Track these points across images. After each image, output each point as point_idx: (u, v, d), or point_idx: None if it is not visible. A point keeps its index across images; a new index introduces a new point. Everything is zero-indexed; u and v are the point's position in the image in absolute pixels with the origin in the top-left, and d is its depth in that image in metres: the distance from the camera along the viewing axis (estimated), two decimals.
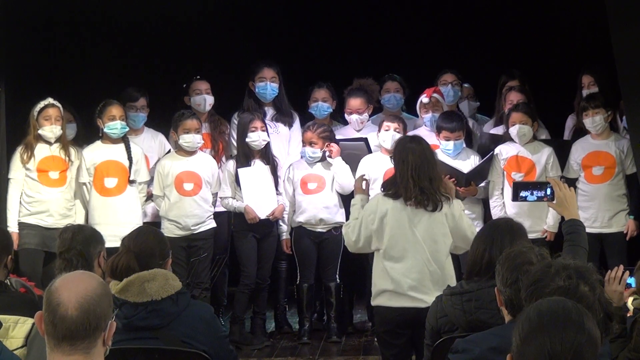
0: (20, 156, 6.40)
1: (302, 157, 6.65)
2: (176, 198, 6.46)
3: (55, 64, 7.38)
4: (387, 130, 6.49)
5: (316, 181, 6.58)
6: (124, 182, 6.49)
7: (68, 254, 4.13)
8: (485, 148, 6.60)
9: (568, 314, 2.18)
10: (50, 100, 6.40)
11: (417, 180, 4.71)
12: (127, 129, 6.54)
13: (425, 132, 6.61)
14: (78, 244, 4.15)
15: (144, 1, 7.45)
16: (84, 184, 6.51)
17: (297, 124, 7.03)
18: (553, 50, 7.79)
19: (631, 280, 4.05)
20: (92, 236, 4.25)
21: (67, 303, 2.42)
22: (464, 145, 6.52)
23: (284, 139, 6.97)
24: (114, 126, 6.45)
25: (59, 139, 6.44)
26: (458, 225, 4.78)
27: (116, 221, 6.24)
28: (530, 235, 5.89)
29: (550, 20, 7.79)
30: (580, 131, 6.60)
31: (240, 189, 6.52)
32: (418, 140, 4.93)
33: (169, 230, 6.35)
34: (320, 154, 6.54)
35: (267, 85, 6.91)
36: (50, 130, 6.38)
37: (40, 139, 6.42)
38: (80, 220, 6.38)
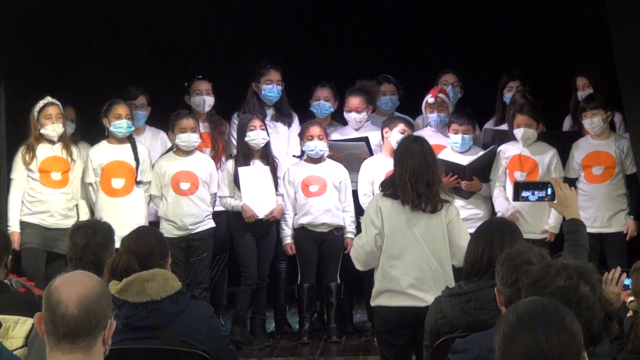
0: (23, 157, 6.41)
1: (304, 154, 6.59)
2: (173, 198, 6.46)
3: (57, 63, 7.39)
4: (402, 133, 6.35)
5: (318, 183, 6.56)
6: (131, 182, 6.49)
7: (80, 262, 4.03)
8: (489, 145, 6.59)
9: (547, 313, 2.17)
10: (49, 98, 6.40)
11: (414, 184, 4.69)
12: (133, 128, 6.54)
13: (431, 133, 6.61)
14: (91, 252, 4.08)
15: (145, 0, 7.46)
16: (90, 184, 6.51)
17: (295, 122, 7.03)
18: (552, 51, 7.79)
19: (628, 282, 4.05)
20: (106, 238, 4.18)
21: (67, 301, 2.43)
22: (472, 142, 6.51)
23: (284, 139, 6.97)
24: (120, 125, 6.44)
25: (60, 138, 6.44)
26: (454, 229, 4.75)
27: (122, 222, 6.15)
28: (531, 236, 5.95)
29: (549, 21, 7.79)
30: (578, 134, 6.60)
31: (239, 188, 6.51)
32: (421, 141, 4.87)
33: (167, 230, 6.35)
34: (327, 149, 6.55)
35: (274, 88, 6.91)
36: (53, 128, 6.39)
37: (42, 138, 6.43)
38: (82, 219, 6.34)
